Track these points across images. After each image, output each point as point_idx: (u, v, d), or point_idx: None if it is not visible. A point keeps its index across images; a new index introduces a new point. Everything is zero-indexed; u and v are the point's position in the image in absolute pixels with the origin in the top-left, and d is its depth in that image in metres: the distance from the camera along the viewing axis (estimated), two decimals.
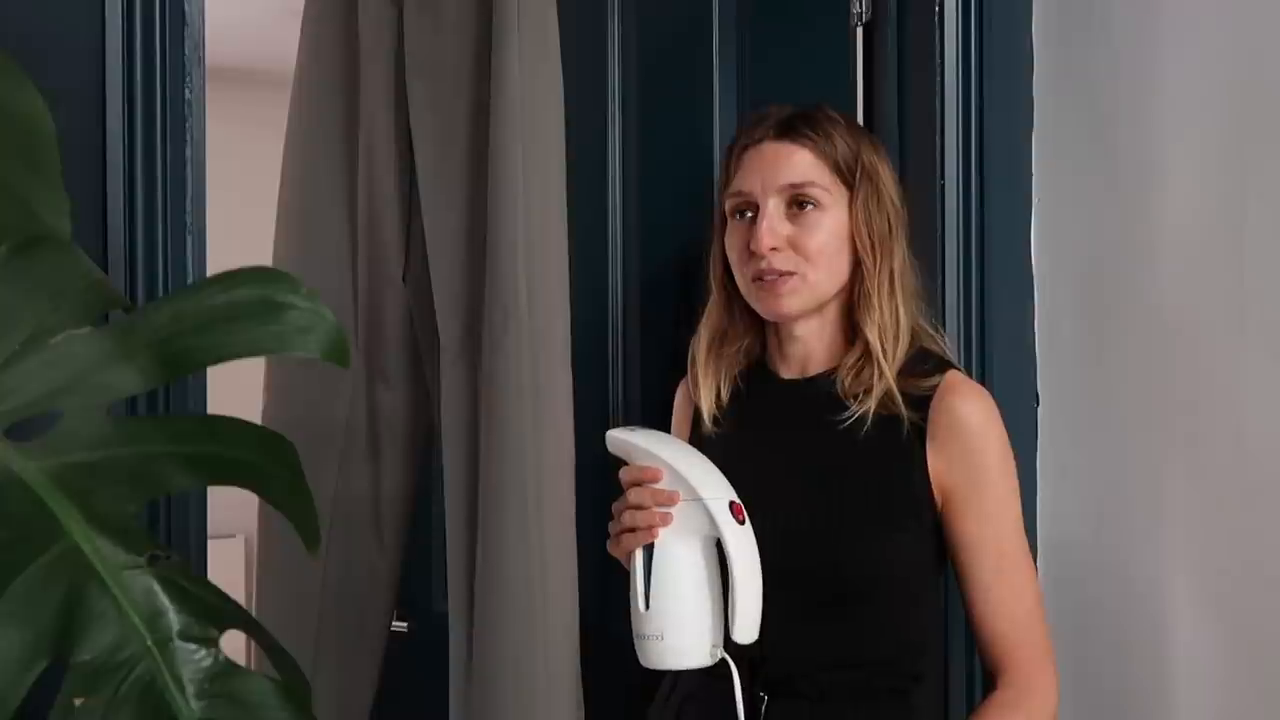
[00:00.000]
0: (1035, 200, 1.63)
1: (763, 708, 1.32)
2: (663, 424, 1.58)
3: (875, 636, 1.33)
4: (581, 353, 1.47)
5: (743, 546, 1.22)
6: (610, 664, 1.39)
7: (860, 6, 1.72)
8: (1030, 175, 1.64)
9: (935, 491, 1.34)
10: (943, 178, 1.61)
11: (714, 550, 1.25)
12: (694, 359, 1.47)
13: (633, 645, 1.27)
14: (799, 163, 1.37)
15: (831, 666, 1.33)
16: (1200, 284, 1.42)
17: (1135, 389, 1.50)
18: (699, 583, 1.24)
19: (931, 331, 1.43)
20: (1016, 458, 1.50)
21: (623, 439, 1.30)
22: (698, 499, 1.23)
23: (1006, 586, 1.33)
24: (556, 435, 1.43)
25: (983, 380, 1.59)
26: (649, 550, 1.24)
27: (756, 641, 1.24)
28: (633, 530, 1.25)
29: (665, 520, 1.24)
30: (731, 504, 1.24)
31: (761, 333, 1.48)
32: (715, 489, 1.25)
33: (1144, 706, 1.49)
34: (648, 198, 1.84)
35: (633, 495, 1.26)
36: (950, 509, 1.34)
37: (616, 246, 1.85)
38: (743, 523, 1.23)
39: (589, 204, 1.71)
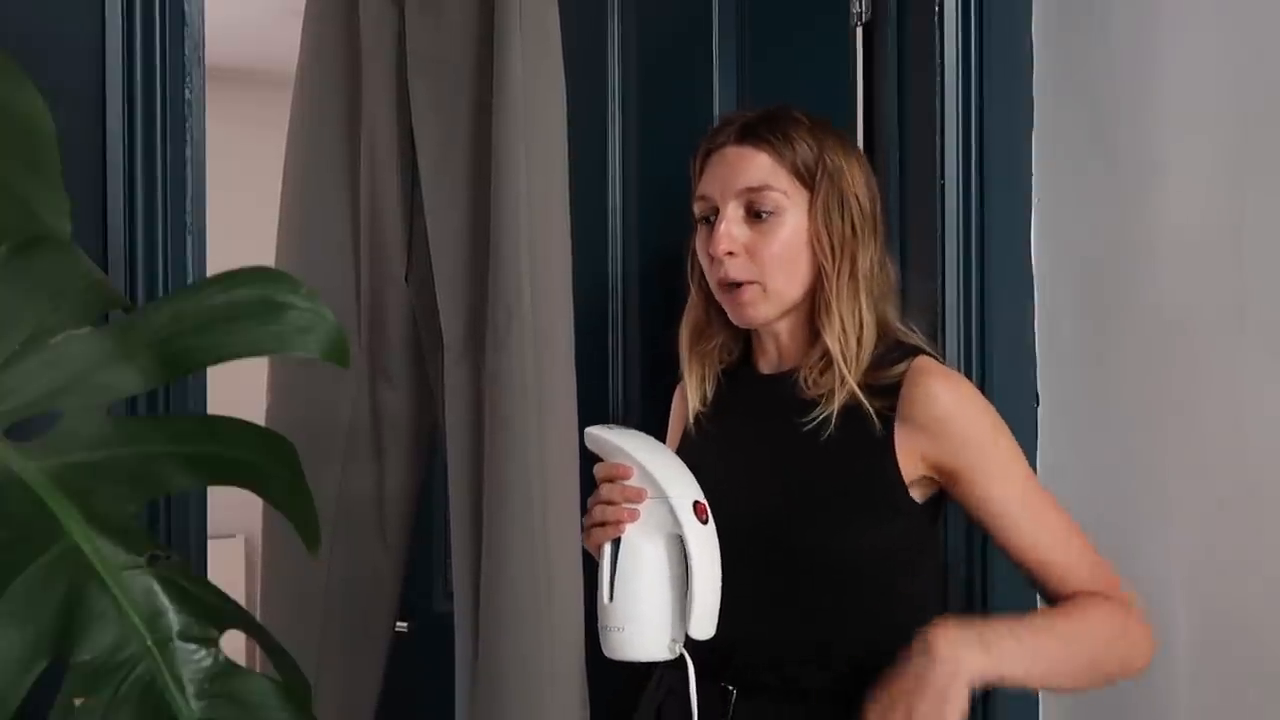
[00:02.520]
0: (1035, 200, 1.63)
1: (731, 700, 1.33)
2: (660, 423, 1.58)
3: (843, 629, 1.33)
4: (581, 352, 1.47)
5: (703, 545, 1.25)
6: (613, 664, 1.39)
7: (860, 6, 1.72)
8: (1030, 175, 1.64)
9: (923, 474, 1.33)
10: (943, 178, 1.61)
11: (678, 547, 1.27)
12: (680, 354, 1.49)
13: None
14: (757, 166, 1.37)
15: (797, 661, 1.33)
16: (1200, 283, 1.42)
17: (1135, 389, 1.50)
18: (660, 578, 1.27)
19: (905, 329, 1.41)
20: None
21: (599, 436, 1.33)
22: (663, 497, 1.26)
23: (1049, 527, 1.32)
24: (560, 434, 1.43)
25: (983, 380, 1.59)
26: (616, 545, 1.28)
27: (724, 634, 1.26)
28: (603, 525, 1.28)
29: (632, 516, 1.27)
30: (695, 503, 1.26)
31: (742, 328, 1.49)
32: (681, 488, 1.27)
33: (1144, 706, 1.49)
34: (647, 198, 1.84)
35: (603, 491, 1.29)
36: (959, 484, 1.32)
37: (616, 246, 1.85)
38: (705, 522, 1.26)
39: (589, 204, 1.71)
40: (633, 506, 1.27)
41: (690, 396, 1.47)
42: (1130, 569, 1.50)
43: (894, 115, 1.68)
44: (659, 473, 1.27)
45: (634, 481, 1.28)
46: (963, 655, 1.18)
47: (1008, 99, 1.63)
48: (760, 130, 1.38)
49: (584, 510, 1.44)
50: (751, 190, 1.37)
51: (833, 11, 1.74)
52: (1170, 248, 1.46)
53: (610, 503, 1.28)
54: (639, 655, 1.28)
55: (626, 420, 1.84)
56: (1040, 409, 1.62)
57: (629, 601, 1.26)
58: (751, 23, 1.80)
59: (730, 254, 1.37)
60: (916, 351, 1.38)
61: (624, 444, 1.30)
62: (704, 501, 1.27)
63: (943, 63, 1.61)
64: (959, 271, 1.60)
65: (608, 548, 1.28)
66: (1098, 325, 1.56)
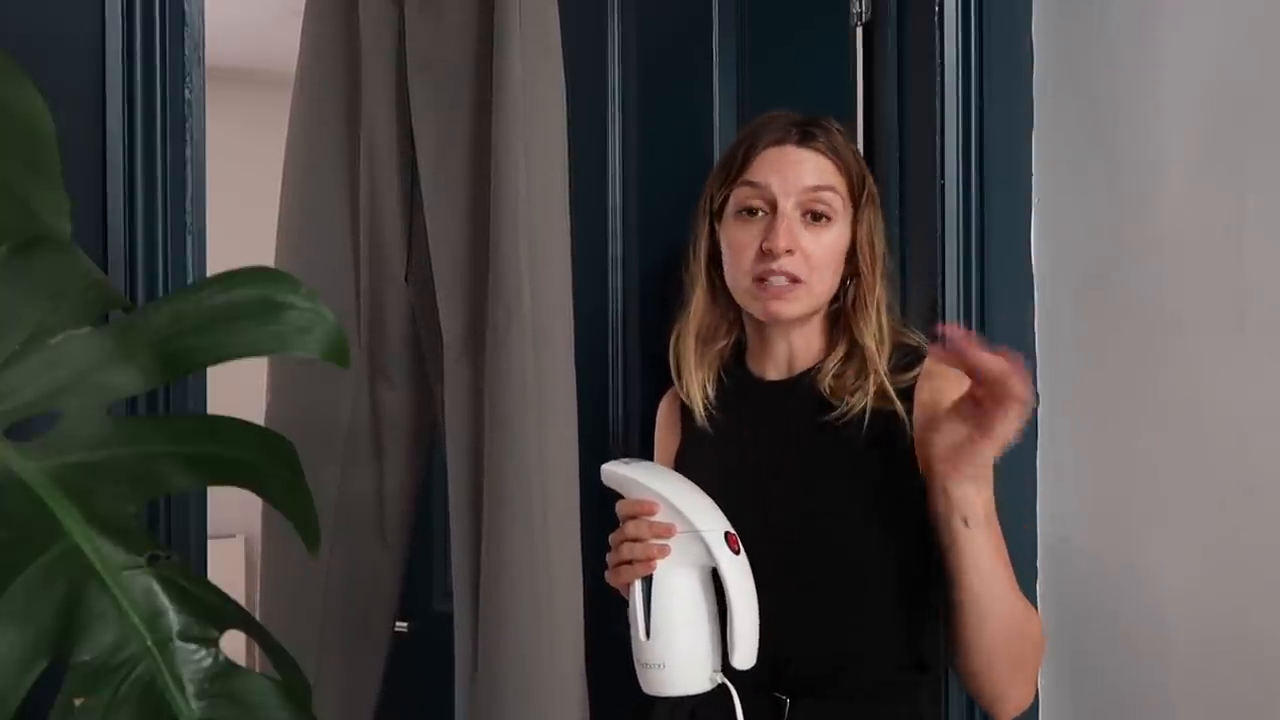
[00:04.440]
0: (1035, 200, 1.63)
1: (785, 709, 1.33)
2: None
3: (889, 629, 1.34)
4: (581, 352, 1.47)
5: (739, 576, 1.24)
6: (611, 664, 1.39)
7: (860, 6, 1.71)
8: (1030, 175, 1.64)
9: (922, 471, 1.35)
10: (943, 178, 1.60)
11: (710, 578, 1.27)
12: (681, 356, 1.48)
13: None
14: (821, 170, 1.40)
15: (859, 667, 1.34)
16: (1200, 283, 1.42)
17: (1135, 388, 1.50)
18: (697, 612, 1.26)
19: (901, 328, 1.45)
20: (1016, 458, 1.49)
21: (617, 473, 1.31)
22: (693, 531, 1.25)
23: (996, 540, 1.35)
24: (559, 434, 1.43)
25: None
26: (648, 581, 1.26)
27: (778, 649, 1.26)
28: (630, 562, 1.27)
29: (663, 552, 1.26)
30: (727, 534, 1.25)
31: (741, 330, 1.49)
32: (710, 520, 1.26)
33: (1144, 705, 1.49)
34: (648, 198, 1.84)
35: (630, 528, 1.28)
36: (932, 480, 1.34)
37: (616, 246, 1.85)
38: (737, 552, 1.25)
39: (589, 204, 1.71)
40: (663, 543, 1.26)
41: (695, 400, 1.47)
42: (1131, 568, 1.50)
43: (894, 115, 1.68)
44: (686, 507, 1.26)
45: (661, 516, 1.26)
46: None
47: (1008, 99, 1.63)
48: (821, 138, 1.41)
49: (587, 510, 1.44)
50: (816, 190, 1.39)
51: (833, 11, 1.74)
52: (1170, 248, 1.46)
53: (637, 539, 1.27)
54: (681, 690, 1.26)
55: (626, 421, 1.84)
56: (1040, 409, 1.62)
57: (667, 638, 1.25)
58: (751, 23, 1.80)
59: (789, 252, 1.38)
60: (921, 353, 1.41)
61: (644, 479, 1.29)
62: (734, 532, 1.26)
63: (943, 63, 1.60)
64: (959, 271, 1.60)
65: (638, 585, 1.27)
66: (1098, 325, 1.56)
